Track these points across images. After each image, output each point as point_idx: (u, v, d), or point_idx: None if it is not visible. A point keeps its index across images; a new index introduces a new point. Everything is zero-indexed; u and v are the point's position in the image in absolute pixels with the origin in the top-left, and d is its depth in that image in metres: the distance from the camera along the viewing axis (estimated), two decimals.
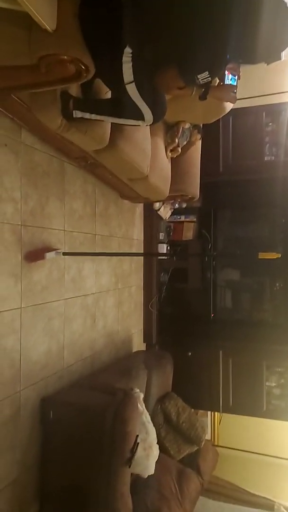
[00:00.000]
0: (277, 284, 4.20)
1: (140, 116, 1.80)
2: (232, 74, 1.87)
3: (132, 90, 1.64)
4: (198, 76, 1.50)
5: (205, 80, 1.52)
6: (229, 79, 1.85)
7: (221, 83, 1.89)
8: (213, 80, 1.60)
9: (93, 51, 1.53)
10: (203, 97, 1.76)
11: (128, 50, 1.53)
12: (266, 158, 3.93)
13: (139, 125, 1.92)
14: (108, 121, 1.98)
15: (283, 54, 3.98)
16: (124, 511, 2.14)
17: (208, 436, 4.17)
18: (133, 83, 1.61)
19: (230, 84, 1.87)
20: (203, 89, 1.72)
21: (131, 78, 1.59)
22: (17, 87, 1.72)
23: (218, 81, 2.00)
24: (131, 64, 1.56)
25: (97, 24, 1.50)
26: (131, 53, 1.54)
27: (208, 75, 1.50)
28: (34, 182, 2.32)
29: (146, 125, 1.90)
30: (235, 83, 1.88)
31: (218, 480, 3.47)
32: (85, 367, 2.91)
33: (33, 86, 1.68)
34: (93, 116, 1.90)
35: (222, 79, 1.87)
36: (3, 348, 2.07)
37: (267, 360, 3.85)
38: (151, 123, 1.86)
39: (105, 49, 1.55)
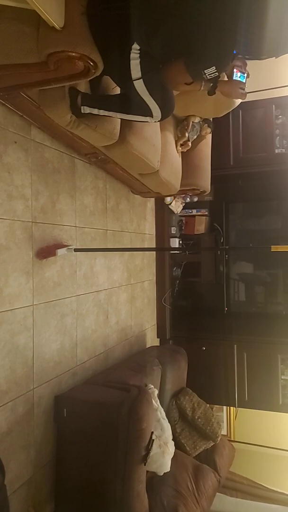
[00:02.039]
0: None
1: (148, 113, 1.79)
2: (240, 72, 1.84)
3: (140, 86, 1.63)
4: (205, 71, 1.49)
5: (212, 75, 1.50)
6: (237, 76, 1.81)
7: (230, 79, 1.87)
8: (220, 75, 1.58)
9: (101, 47, 1.52)
10: (211, 92, 1.74)
11: (136, 46, 1.52)
12: (276, 151, 3.89)
13: (147, 121, 1.91)
14: (116, 117, 1.96)
15: None
16: (140, 509, 2.14)
17: (224, 432, 4.16)
18: (141, 79, 1.60)
19: (239, 80, 1.83)
20: (211, 84, 1.70)
21: (139, 74, 1.59)
22: (26, 84, 1.71)
23: (226, 77, 1.97)
24: (139, 60, 1.55)
25: (105, 21, 1.49)
26: (139, 49, 1.53)
27: (215, 70, 1.49)
28: (44, 179, 2.31)
29: (155, 122, 1.89)
30: (244, 80, 1.84)
31: (235, 476, 3.45)
32: (99, 363, 2.91)
33: (42, 84, 1.68)
34: (102, 112, 1.89)
35: (230, 76, 1.84)
36: (15, 346, 2.08)
37: (282, 353, 3.82)
38: (159, 119, 1.85)
39: (113, 45, 1.54)
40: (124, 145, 2.28)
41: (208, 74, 1.50)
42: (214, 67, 1.47)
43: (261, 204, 4.40)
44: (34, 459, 2.21)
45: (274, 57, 1.53)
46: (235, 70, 1.81)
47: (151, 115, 1.80)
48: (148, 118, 1.85)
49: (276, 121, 3.90)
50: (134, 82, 1.61)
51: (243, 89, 1.81)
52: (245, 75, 1.84)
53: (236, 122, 3.97)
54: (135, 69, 1.57)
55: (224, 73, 1.83)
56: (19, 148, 2.11)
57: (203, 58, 1.49)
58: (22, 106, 1.96)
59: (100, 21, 1.48)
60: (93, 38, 1.48)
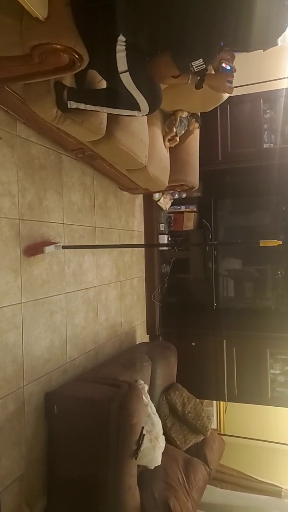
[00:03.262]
0: (279, 272, 4.19)
1: (135, 106, 1.77)
2: (228, 65, 1.83)
3: (126, 79, 1.61)
4: (192, 64, 1.48)
5: (199, 67, 1.50)
6: (225, 70, 1.81)
7: (217, 72, 1.86)
8: (207, 68, 1.57)
9: (86, 40, 1.49)
10: (199, 85, 1.73)
11: (121, 38, 1.50)
12: (265, 146, 3.89)
13: (135, 116, 1.89)
14: (103, 112, 1.94)
15: (279, 40, 3.91)
16: (132, 503, 2.15)
17: (214, 425, 4.20)
18: (127, 72, 1.58)
19: (226, 73, 1.82)
20: (199, 78, 1.70)
21: (125, 67, 1.57)
22: (10, 78, 1.68)
23: (213, 71, 1.96)
24: (125, 53, 1.53)
25: (90, 12, 1.46)
26: (125, 41, 1.51)
27: (202, 63, 1.48)
28: (31, 175, 2.29)
29: (142, 116, 1.87)
30: (231, 73, 1.84)
31: (225, 469, 3.48)
32: (89, 360, 2.91)
33: (26, 77, 1.65)
34: (88, 107, 1.87)
35: (217, 69, 1.84)
36: (5, 344, 2.06)
37: (271, 348, 3.86)
38: (147, 113, 1.83)
39: (98, 37, 1.51)
40: (111, 140, 2.26)
41: (195, 67, 1.49)
42: (201, 59, 1.46)
43: (249, 200, 4.41)
44: (26, 456, 2.21)
45: (262, 50, 1.54)
46: (223, 63, 1.79)
47: (138, 109, 1.78)
48: (135, 112, 1.83)
49: (264, 116, 3.90)
50: (120, 75, 1.59)
51: (231, 83, 1.80)
52: (232, 68, 1.82)
53: (224, 117, 3.95)
54: (121, 61, 1.55)
55: (211, 66, 1.82)
56: (5, 144, 2.08)
57: (190, 50, 1.48)
58: (6, 101, 1.93)
59: (85, 13, 1.46)
60: (78, 30, 1.46)
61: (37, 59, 1.47)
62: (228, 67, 1.79)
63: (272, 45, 1.53)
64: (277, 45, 1.58)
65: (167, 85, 2.50)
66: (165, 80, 1.75)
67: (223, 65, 1.79)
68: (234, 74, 1.82)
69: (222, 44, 1.55)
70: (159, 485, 2.40)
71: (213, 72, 1.85)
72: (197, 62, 1.47)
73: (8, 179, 2.10)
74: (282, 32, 1.48)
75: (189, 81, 1.72)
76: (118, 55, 1.54)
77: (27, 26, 1.41)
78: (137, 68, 1.61)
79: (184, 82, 1.72)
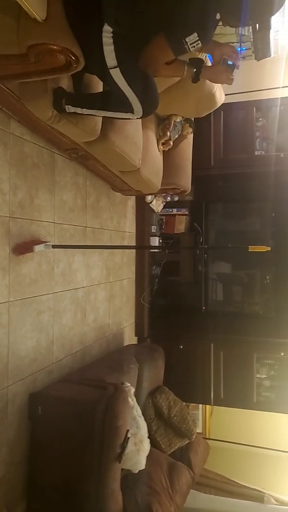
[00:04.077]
0: (268, 277, 4.23)
1: (129, 108, 1.73)
2: (231, 61, 1.74)
3: (117, 76, 1.56)
4: (187, 40, 1.39)
5: (194, 44, 1.40)
6: (227, 64, 1.73)
7: (215, 64, 1.74)
8: (203, 45, 1.45)
9: (76, 36, 1.46)
10: (195, 78, 1.65)
11: (107, 28, 1.44)
12: (256, 153, 3.95)
13: (129, 118, 1.84)
14: (99, 116, 1.93)
15: (273, 51, 3.95)
16: (115, 508, 2.13)
17: (199, 429, 4.20)
18: (117, 68, 1.53)
19: (225, 65, 1.68)
20: (195, 70, 1.63)
21: (115, 62, 1.51)
22: (6, 76, 1.68)
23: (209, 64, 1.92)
24: (113, 47, 1.48)
25: (76, 6, 1.44)
26: (112, 32, 1.45)
27: (197, 38, 1.39)
28: (23, 173, 2.27)
29: (137, 118, 1.82)
30: (232, 67, 1.75)
31: (209, 473, 3.49)
32: (75, 361, 2.89)
33: (22, 76, 1.65)
34: (85, 111, 1.85)
35: (218, 62, 1.75)
36: None
37: (257, 352, 3.89)
38: (140, 115, 1.78)
39: (85, 31, 1.46)
40: (105, 142, 2.26)
41: (190, 44, 1.40)
42: (195, 34, 1.37)
43: (240, 205, 4.46)
44: (7, 458, 2.18)
45: (257, 25, 1.50)
46: (225, 57, 1.69)
47: (132, 111, 1.74)
48: (129, 115, 1.78)
49: (256, 124, 3.96)
50: (110, 71, 1.53)
51: (231, 75, 1.71)
52: (235, 64, 1.70)
53: (217, 123, 4.00)
54: (110, 56, 1.49)
55: (208, 60, 1.77)
56: None
57: (183, 24, 1.40)
58: (1, 98, 1.91)
59: (73, 7, 1.44)
60: (70, 28, 1.44)
61: (33, 59, 1.47)
62: (230, 62, 1.69)
63: (265, 20, 1.49)
64: (269, 28, 1.51)
65: (165, 84, 2.51)
66: (159, 69, 1.62)
67: (226, 58, 1.68)
68: (236, 71, 1.72)
69: (217, 17, 1.47)
70: (143, 489, 2.40)
71: (209, 65, 1.78)
72: (191, 37, 1.38)
73: (0, 177, 2.08)
74: (281, 3, 1.41)
75: (185, 73, 1.64)
76: (105, 48, 1.48)
77: (24, 26, 1.41)
78: (128, 64, 1.55)
79: (180, 75, 1.64)
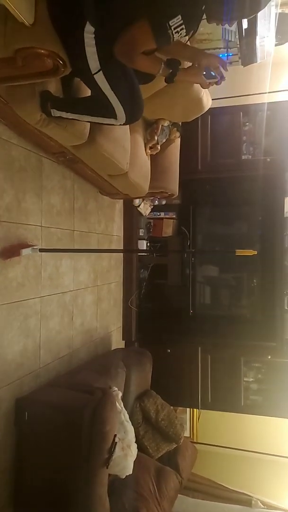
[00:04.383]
0: (254, 281, 4.26)
1: (112, 114, 1.72)
2: (213, 72, 1.73)
3: (101, 80, 1.54)
4: (170, 23, 1.31)
5: (178, 29, 1.33)
6: (209, 74, 1.70)
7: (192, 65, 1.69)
8: (187, 33, 1.40)
9: (60, 39, 1.45)
10: (170, 79, 1.60)
11: (89, 29, 1.42)
12: (243, 157, 3.99)
13: (112, 124, 1.83)
14: (83, 120, 1.93)
15: (259, 57, 3.98)
16: None
17: (187, 433, 4.20)
18: (101, 71, 1.51)
19: (209, 77, 1.63)
20: (171, 71, 1.58)
21: (98, 65, 1.49)
22: None
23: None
24: (95, 49, 1.45)
25: (59, 9, 1.43)
26: (94, 32, 1.42)
27: (181, 21, 1.32)
28: (10, 177, 2.26)
29: (119, 124, 1.81)
30: (213, 76, 1.72)
31: (196, 477, 3.49)
32: (63, 365, 2.87)
33: (10, 80, 1.65)
34: (69, 115, 1.86)
35: (201, 69, 1.65)
36: None
37: (245, 356, 3.91)
38: (123, 122, 1.78)
39: (67, 34, 1.44)
40: (93, 146, 2.26)
41: (174, 29, 1.33)
42: (179, 16, 1.31)
43: (227, 209, 4.49)
44: None
45: (242, 66, 1.51)
46: (208, 67, 1.64)
47: (115, 117, 1.73)
48: (112, 120, 1.78)
49: (243, 128, 4.00)
50: (94, 76, 1.52)
51: (208, 78, 1.65)
52: (218, 78, 1.65)
53: (204, 127, 4.03)
54: (92, 58, 1.47)
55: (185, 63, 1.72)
56: None
57: (167, 6, 1.34)
58: None
59: (55, 9, 1.43)
60: (55, 30, 1.43)
61: (20, 62, 1.47)
62: (213, 73, 1.65)
63: (255, 11, 1.43)
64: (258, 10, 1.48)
65: (152, 89, 2.51)
66: (136, 58, 1.49)
67: (210, 70, 1.64)
68: (220, 82, 1.67)
69: (203, 8, 1.41)
70: (130, 495, 2.39)
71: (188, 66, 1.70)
72: (175, 20, 1.31)
73: None
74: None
75: (160, 71, 1.57)
76: (88, 50, 1.45)
77: (12, 30, 1.41)
78: (111, 68, 1.53)
79: (155, 71, 1.57)
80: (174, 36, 1.37)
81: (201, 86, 1.76)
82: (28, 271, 2.43)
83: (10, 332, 2.27)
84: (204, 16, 1.49)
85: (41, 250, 2.43)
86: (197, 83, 1.79)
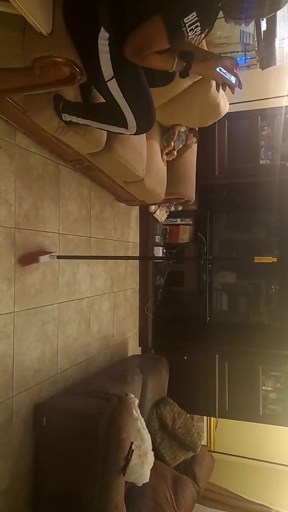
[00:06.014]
0: (273, 287, 4.20)
1: (123, 123, 1.69)
2: (228, 74, 1.67)
3: (114, 87, 1.52)
4: (185, 20, 1.25)
5: (192, 26, 1.27)
6: (223, 72, 1.65)
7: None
8: (202, 31, 1.33)
9: (76, 47, 1.45)
10: (184, 73, 1.53)
11: (103, 35, 1.40)
12: (261, 162, 3.93)
13: (122, 133, 1.81)
14: (93, 126, 1.91)
15: (278, 59, 3.92)
16: None
17: (204, 442, 4.15)
18: (114, 78, 1.49)
19: (223, 76, 1.55)
20: (185, 64, 1.51)
21: (111, 72, 1.47)
22: (11, 89, 1.69)
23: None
24: (109, 55, 1.44)
25: (74, 17, 1.44)
26: (108, 38, 1.41)
27: (196, 18, 1.25)
28: (28, 184, 2.29)
29: (130, 134, 1.78)
30: (229, 78, 1.66)
31: (214, 487, 3.44)
32: (80, 372, 2.88)
33: (28, 89, 1.66)
34: (80, 120, 1.86)
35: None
36: None
37: (263, 364, 3.83)
38: (134, 132, 1.75)
39: (82, 41, 1.43)
40: (110, 153, 2.27)
41: (189, 26, 1.27)
42: (194, 13, 1.24)
43: (245, 215, 4.45)
44: (12, 469, 2.16)
45: (260, 69, 1.46)
46: (220, 68, 1.57)
47: (125, 126, 1.71)
48: (123, 130, 1.75)
49: (261, 133, 3.95)
50: (107, 83, 1.50)
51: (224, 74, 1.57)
52: (233, 77, 1.58)
53: (222, 132, 4.00)
54: (106, 65, 1.46)
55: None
56: (4, 153, 2.09)
57: (181, 3, 1.28)
58: (7, 111, 1.94)
59: (71, 17, 1.43)
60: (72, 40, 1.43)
61: (38, 72, 1.48)
62: (227, 75, 1.57)
63: (276, 9, 1.36)
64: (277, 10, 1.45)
65: (169, 94, 2.51)
66: (148, 57, 1.43)
67: (222, 71, 1.57)
68: (237, 85, 1.60)
69: (219, 4, 1.35)
70: (147, 503, 2.36)
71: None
72: (190, 17, 1.25)
73: (5, 188, 2.09)
74: None
75: (174, 66, 1.50)
76: (101, 57, 1.44)
77: (29, 39, 1.42)
78: (125, 75, 1.51)
79: (168, 68, 1.51)
80: (189, 34, 1.31)
81: (216, 81, 1.66)
82: (46, 277, 2.45)
83: (28, 338, 2.29)
84: (221, 15, 1.44)
85: (58, 257, 2.45)
86: (211, 78, 1.68)
